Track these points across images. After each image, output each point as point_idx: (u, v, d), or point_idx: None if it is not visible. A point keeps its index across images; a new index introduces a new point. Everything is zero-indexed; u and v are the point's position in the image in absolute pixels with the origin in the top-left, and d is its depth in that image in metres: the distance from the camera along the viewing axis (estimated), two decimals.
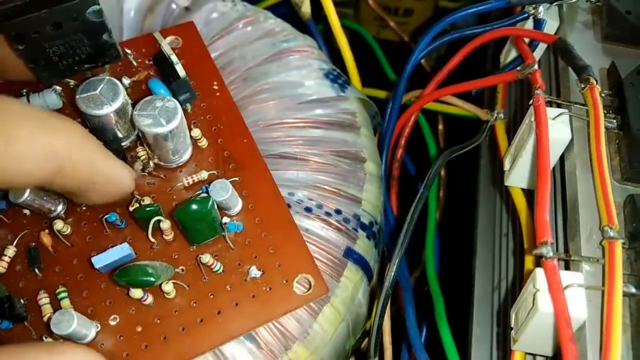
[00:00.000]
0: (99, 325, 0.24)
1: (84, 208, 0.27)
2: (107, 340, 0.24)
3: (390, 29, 0.59)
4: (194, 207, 0.24)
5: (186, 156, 0.28)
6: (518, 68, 0.33)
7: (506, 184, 0.33)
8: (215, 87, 0.32)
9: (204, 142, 0.29)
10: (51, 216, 0.26)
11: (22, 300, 0.24)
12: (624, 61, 0.32)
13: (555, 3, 0.36)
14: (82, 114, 0.26)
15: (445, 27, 0.37)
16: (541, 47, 0.36)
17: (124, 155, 0.28)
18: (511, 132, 0.38)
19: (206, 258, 0.25)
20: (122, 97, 0.26)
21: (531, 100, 0.30)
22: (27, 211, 0.26)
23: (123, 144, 0.28)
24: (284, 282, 0.26)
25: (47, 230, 0.26)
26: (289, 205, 0.30)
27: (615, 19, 0.34)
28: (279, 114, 0.34)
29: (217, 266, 0.26)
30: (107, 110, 0.26)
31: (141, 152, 0.28)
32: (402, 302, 0.33)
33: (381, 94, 0.46)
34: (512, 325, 0.27)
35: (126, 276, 0.24)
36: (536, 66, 0.32)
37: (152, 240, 0.26)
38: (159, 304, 0.25)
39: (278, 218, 0.27)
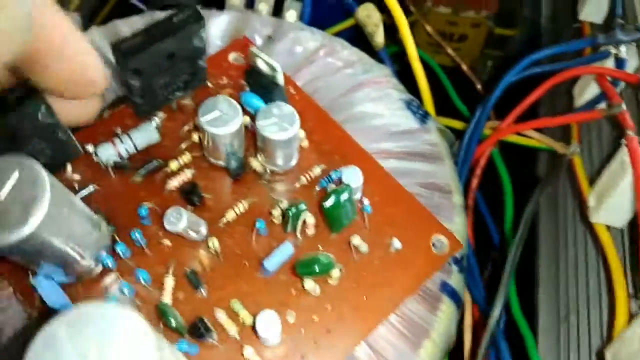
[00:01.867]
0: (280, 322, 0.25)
1: (221, 225, 0.28)
2: (290, 337, 0.26)
3: (447, 55, 0.60)
4: (344, 197, 0.27)
5: (296, 158, 0.31)
6: (603, 107, 0.33)
7: (592, 220, 0.33)
8: (293, 92, 0.35)
9: (305, 143, 0.32)
10: (197, 240, 0.27)
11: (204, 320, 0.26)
12: None
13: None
14: (208, 135, 0.27)
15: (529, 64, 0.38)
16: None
17: (244, 168, 0.30)
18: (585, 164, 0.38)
19: (356, 240, 0.28)
20: (242, 113, 0.28)
21: (622, 140, 0.30)
22: (167, 241, 0.28)
23: (239, 155, 0.29)
24: (423, 247, 0.29)
25: (202, 251, 0.28)
26: None
27: None
28: (365, 144, 0.35)
29: (364, 246, 0.28)
30: (233, 127, 0.27)
31: (254, 162, 0.30)
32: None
33: (453, 123, 0.46)
34: None
35: (308, 267, 0.26)
36: (624, 106, 0.32)
37: (299, 236, 0.28)
38: (326, 292, 0.27)
39: (394, 192, 0.31)
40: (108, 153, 0.29)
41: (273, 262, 0.27)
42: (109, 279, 0.26)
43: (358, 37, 0.49)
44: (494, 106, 0.51)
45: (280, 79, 0.31)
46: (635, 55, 0.37)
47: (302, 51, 0.39)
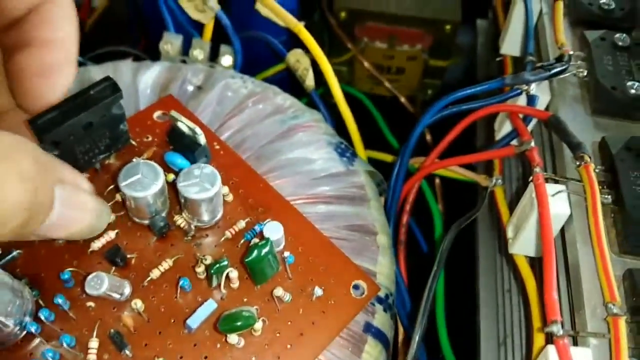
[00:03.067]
0: None
1: (146, 284, 0.29)
2: None
3: (384, 87, 0.61)
4: (265, 250, 0.28)
5: (220, 213, 0.32)
6: (515, 144, 0.35)
7: (510, 252, 0.35)
8: (217, 147, 0.36)
9: (230, 197, 0.33)
10: (121, 300, 0.28)
11: None
12: (614, 134, 0.35)
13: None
14: (129, 197, 0.29)
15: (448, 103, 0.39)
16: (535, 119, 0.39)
17: (169, 226, 0.31)
18: (507, 195, 0.40)
19: (279, 291, 0.29)
20: (163, 176, 0.29)
21: (531, 178, 0.32)
22: (91, 303, 0.28)
23: (163, 214, 0.31)
24: (343, 292, 0.31)
25: (126, 313, 0.28)
26: None
27: (602, 95, 0.37)
28: (293, 190, 0.36)
29: (287, 296, 0.30)
30: (153, 190, 0.28)
31: (179, 219, 0.31)
32: None
33: (384, 156, 0.48)
34: None
35: (229, 324, 0.27)
36: (532, 143, 0.34)
37: (224, 291, 0.29)
38: (250, 344, 0.28)
39: (316, 242, 0.32)
40: None
41: (196, 319, 0.28)
42: (33, 344, 0.27)
43: (293, 78, 0.50)
44: (431, 136, 0.54)
45: (202, 140, 0.32)
46: (547, 90, 0.39)
47: (232, 100, 0.40)
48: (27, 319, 0.26)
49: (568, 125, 0.35)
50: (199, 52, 0.50)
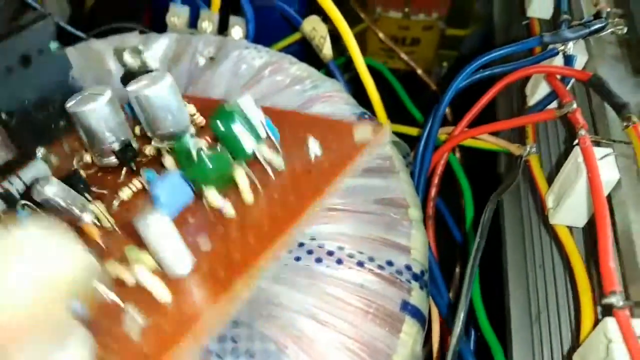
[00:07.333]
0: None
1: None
2: (205, 265, 0.24)
3: (400, 59, 0.59)
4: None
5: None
6: (555, 107, 0.33)
7: (552, 222, 0.33)
8: None
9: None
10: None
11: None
12: None
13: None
14: (76, 118, 0.27)
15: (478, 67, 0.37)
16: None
17: (135, 155, 0.29)
18: (541, 162, 0.38)
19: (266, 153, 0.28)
20: (110, 89, 0.27)
21: (575, 141, 0.30)
22: None
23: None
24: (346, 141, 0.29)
25: None
26: (339, 261, 0.29)
27: None
28: None
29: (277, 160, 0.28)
30: (101, 102, 0.26)
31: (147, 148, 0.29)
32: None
33: (407, 130, 0.46)
34: None
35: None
36: (575, 105, 0.32)
37: None
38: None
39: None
40: None
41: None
42: None
43: (307, 50, 0.48)
44: (450, 110, 0.52)
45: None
46: (583, 50, 0.37)
47: (247, 71, 0.39)
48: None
49: (610, 86, 0.33)
50: (207, 24, 0.48)
